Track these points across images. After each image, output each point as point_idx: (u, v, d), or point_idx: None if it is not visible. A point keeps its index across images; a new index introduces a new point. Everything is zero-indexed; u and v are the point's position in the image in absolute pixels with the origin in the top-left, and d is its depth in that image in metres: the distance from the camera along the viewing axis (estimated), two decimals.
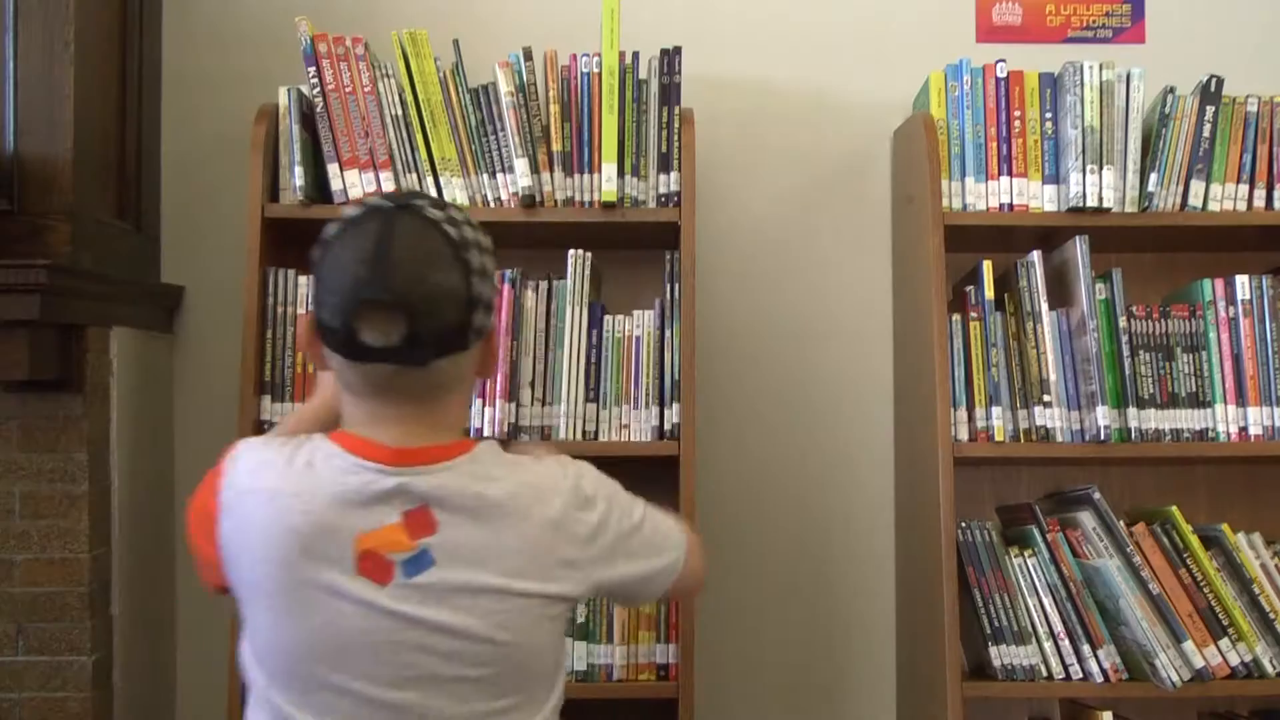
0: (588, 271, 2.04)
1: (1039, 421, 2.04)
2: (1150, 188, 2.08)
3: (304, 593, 1.16)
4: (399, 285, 1.14)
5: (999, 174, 2.10)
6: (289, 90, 2.06)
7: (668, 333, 2.06)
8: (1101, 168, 2.06)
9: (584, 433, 2.03)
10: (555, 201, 2.06)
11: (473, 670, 1.19)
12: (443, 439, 1.22)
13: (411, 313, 1.14)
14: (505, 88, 2.03)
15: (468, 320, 1.18)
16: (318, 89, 2.04)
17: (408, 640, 1.17)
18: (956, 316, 2.07)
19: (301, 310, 2.03)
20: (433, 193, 2.01)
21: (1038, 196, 2.11)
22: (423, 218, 1.18)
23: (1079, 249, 2.04)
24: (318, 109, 2.04)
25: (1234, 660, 2.00)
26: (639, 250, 2.24)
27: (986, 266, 2.06)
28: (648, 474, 2.23)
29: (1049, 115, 2.12)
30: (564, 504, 1.24)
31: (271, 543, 1.17)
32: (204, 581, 1.29)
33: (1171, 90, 2.10)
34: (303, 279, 2.04)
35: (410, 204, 1.20)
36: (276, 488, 1.19)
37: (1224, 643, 2.00)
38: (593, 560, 1.26)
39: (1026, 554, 2.03)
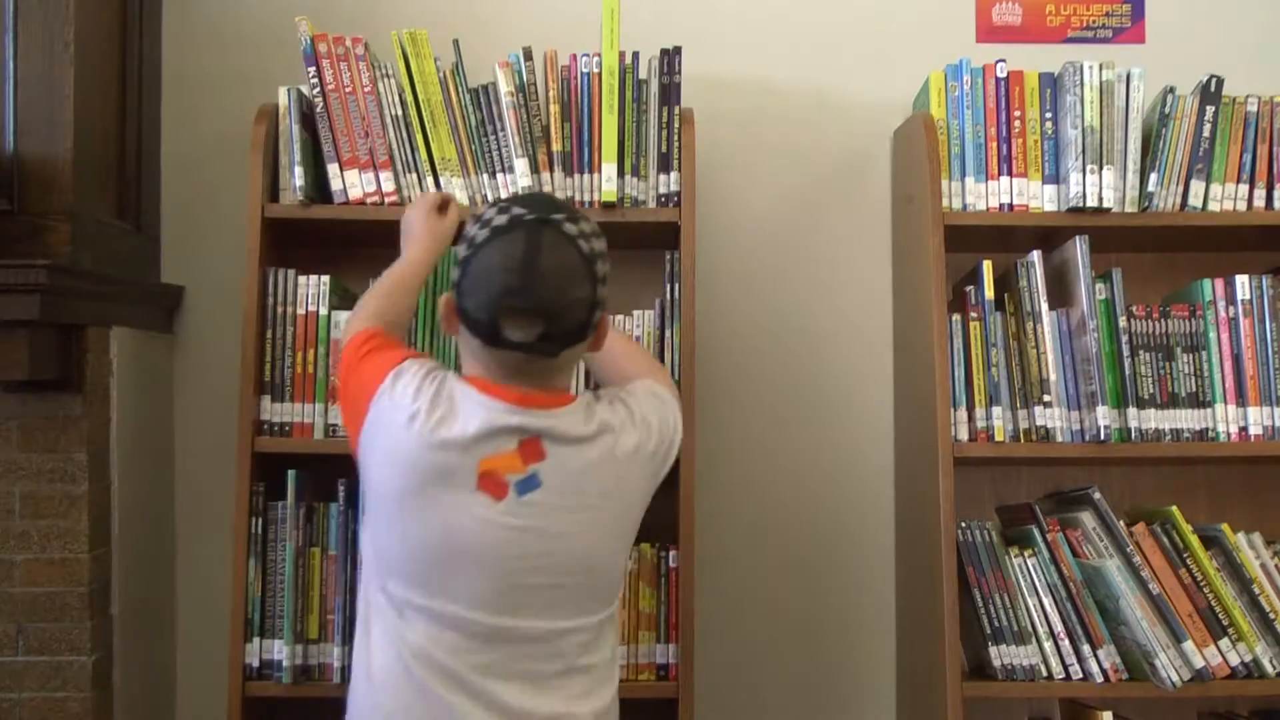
0: None
1: (1039, 421, 2.04)
2: (1150, 188, 2.08)
3: (428, 501, 1.40)
4: (542, 296, 1.38)
5: (999, 174, 2.11)
6: (289, 90, 2.06)
7: (668, 333, 2.06)
8: (1101, 168, 2.06)
9: None
10: None
11: (563, 578, 1.44)
12: (554, 393, 1.48)
13: (549, 318, 1.39)
14: (505, 88, 2.03)
15: (590, 320, 1.44)
16: (318, 89, 2.04)
17: (513, 549, 1.41)
18: (956, 316, 2.07)
19: (301, 310, 2.03)
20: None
21: (1038, 196, 2.11)
22: (562, 233, 1.40)
23: (1079, 249, 2.04)
24: (318, 109, 2.04)
25: (1234, 660, 2.00)
26: (639, 250, 2.24)
27: (986, 266, 2.06)
28: None
29: (1049, 115, 2.12)
30: (639, 439, 1.50)
31: (407, 458, 1.41)
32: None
33: (1171, 90, 2.10)
34: (302, 279, 2.04)
35: (551, 219, 1.41)
36: (419, 410, 1.42)
37: (1224, 643, 2.00)
38: (656, 475, 1.55)
39: (1026, 554, 2.03)
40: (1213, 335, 2.08)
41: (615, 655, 1.57)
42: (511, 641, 1.44)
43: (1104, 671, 2.00)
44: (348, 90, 2.04)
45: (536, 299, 1.38)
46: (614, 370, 1.71)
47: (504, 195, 2.05)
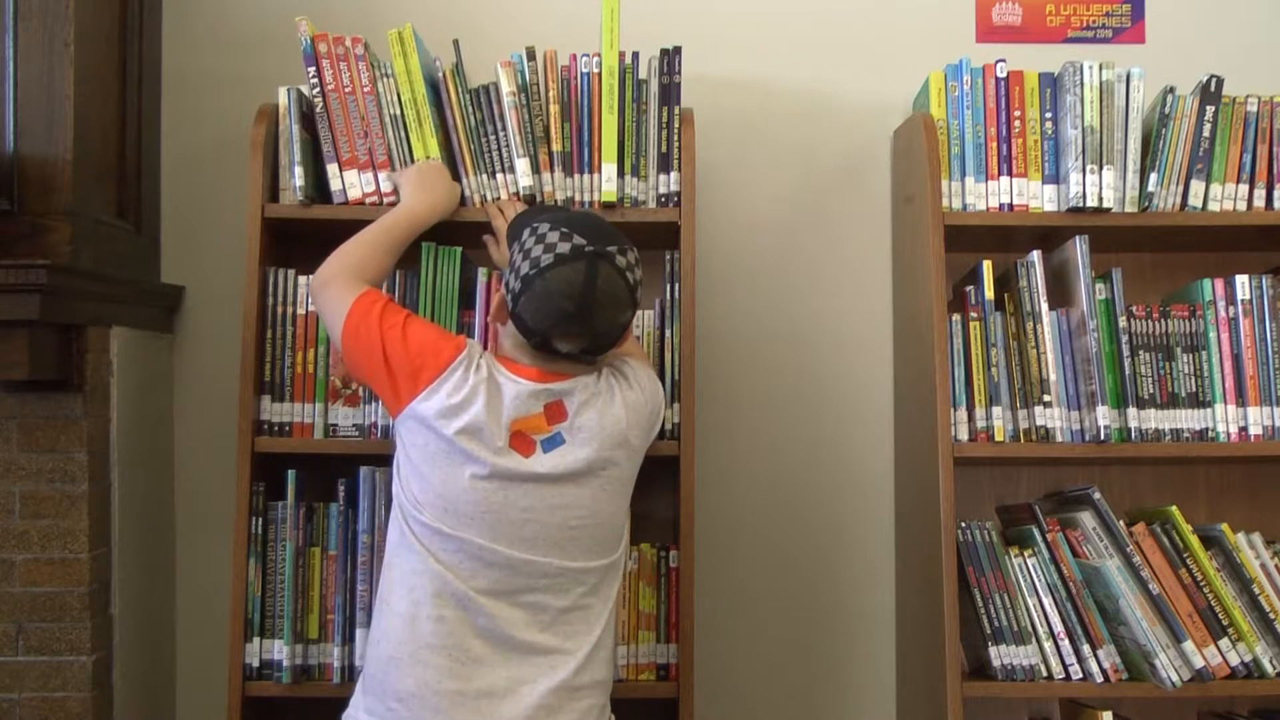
0: None
1: (1039, 421, 2.05)
2: (1150, 188, 2.08)
3: (466, 458, 1.61)
4: (596, 323, 1.62)
5: (999, 174, 2.11)
6: (289, 90, 2.06)
7: (668, 333, 2.06)
8: (1101, 168, 2.06)
9: None
10: (555, 201, 2.06)
11: (579, 521, 1.65)
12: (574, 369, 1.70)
13: (596, 338, 1.64)
14: (507, 88, 2.03)
15: (625, 333, 1.69)
16: (317, 89, 2.04)
17: (534, 503, 1.62)
18: (956, 316, 2.07)
19: (301, 310, 2.04)
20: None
21: (1038, 196, 2.11)
22: (616, 267, 1.62)
23: (1079, 249, 2.04)
24: (317, 109, 2.04)
25: (1234, 660, 2.00)
26: (639, 250, 2.24)
27: (986, 266, 2.06)
28: (648, 474, 2.24)
29: (1049, 115, 2.12)
30: (637, 399, 1.72)
31: (451, 427, 1.61)
32: (353, 364, 1.72)
33: (1171, 90, 2.10)
34: (302, 279, 2.04)
35: (607, 252, 1.62)
36: (473, 398, 1.63)
37: (1224, 643, 2.00)
38: (649, 434, 1.78)
39: (1026, 554, 2.03)
40: (1213, 335, 2.08)
41: (617, 599, 1.75)
42: (529, 574, 1.62)
43: (1104, 671, 2.00)
44: (347, 90, 2.04)
45: (589, 326, 1.61)
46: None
47: (504, 195, 2.05)
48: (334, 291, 1.74)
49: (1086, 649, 2.01)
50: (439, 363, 1.64)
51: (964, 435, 2.05)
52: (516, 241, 1.67)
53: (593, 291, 1.59)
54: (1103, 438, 2.01)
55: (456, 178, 2.04)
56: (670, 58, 2.07)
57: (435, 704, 1.58)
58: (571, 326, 1.61)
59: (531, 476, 1.63)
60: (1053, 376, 2.05)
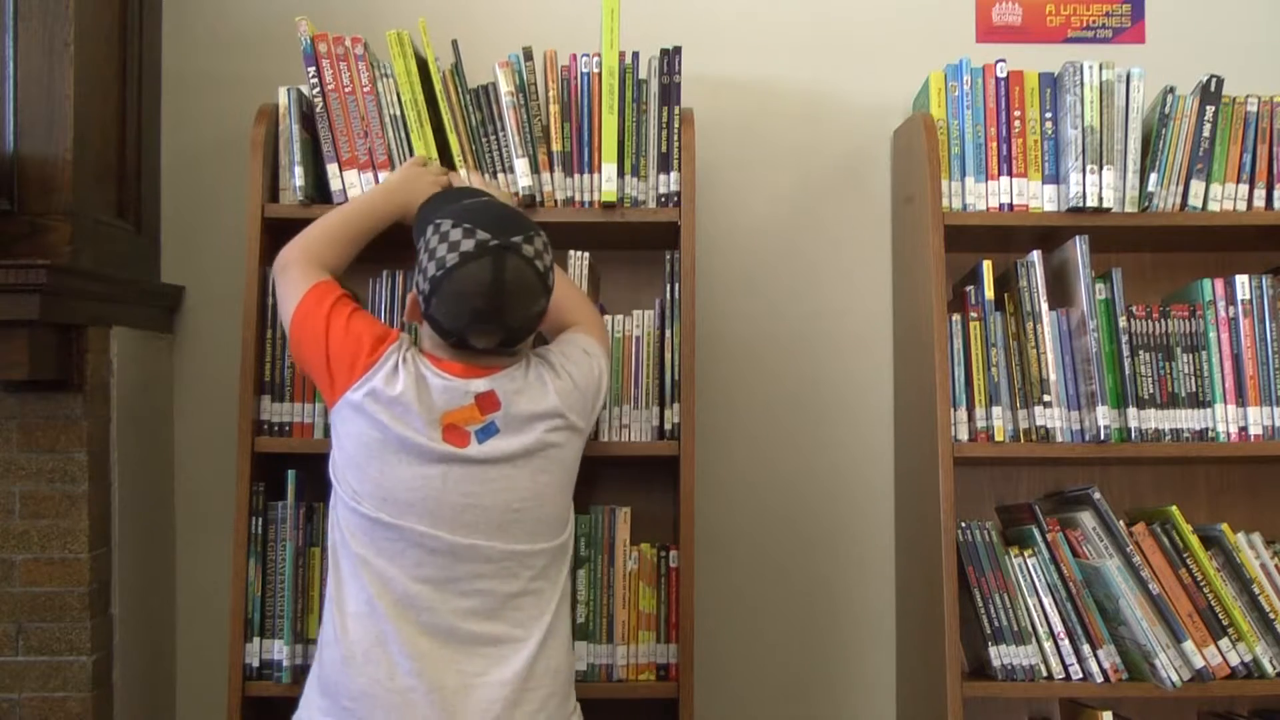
0: (587, 272, 2.04)
1: (1039, 421, 2.05)
2: (1150, 188, 2.08)
3: (402, 451, 1.61)
4: (508, 318, 1.61)
5: (999, 174, 2.11)
6: (289, 90, 2.06)
7: (668, 333, 2.06)
8: (1101, 168, 2.06)
9: None
10: (555, 202, 2.06)
11: (521, 504, 1.64)
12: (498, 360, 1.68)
13: (511, 332, 1.63)
14: (505, 88, 2.03)
15: (540, 319, 1.68)
16: (317, 89, 2.04)
17: (473, 484, 1.62)
18: (956, 316, 2.07)
19: None
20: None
21: (1038, 196, 2.11)
22: (522, 257, 1.60)
23: (1079, 249, 2.04)
24: (317, 109, 2.04)
25: (1234, 660, 2.00)
26: (639, 250, 2.24)
27: (986, 266, 2.06)
28: (648, 474, 2.24)
29: (1049, 115, 2.12)
30: (563, 387, 1.70)
31: (384, 418, 1.61)
32: (297, 351, 1.73)
33: (1171, 90, 2.10)
34: None
35: (511, 244, 1.59)
36: (404, 390, 1.62)
37: (1224, 643, 2.00)
38: (586, 419, 1.76)
39: (1026, 554, 2.03)
40: (1213, 335, 2.08)
41: (567, 585, 1.75)
42: (472, 560, 1.62)
43: (1104, 671, 2.00)
44: (347, 90, 2.04)
45: (502, 321, 1.61)
46: (555, 322, 1.85)
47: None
48: (290, 277, 1.76)
49: (1086, 649, 2.01)
50: (375, 352, 1.65)
51: (964, 435, 2.05)
52: (422, 239, 1.65)
53: (502, 286, 1.58)
54: (1103, 438, 2.01)
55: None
56: (670, 58, 2.07)
57: (389, 701, 1.58)
58: (485, 324, 1.60)
59: (469, 459, 1.63)
60: (1053, 376, 2.05)
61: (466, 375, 1.65)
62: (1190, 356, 2.08)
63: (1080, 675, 2.01)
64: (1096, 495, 2.03)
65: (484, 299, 1.58)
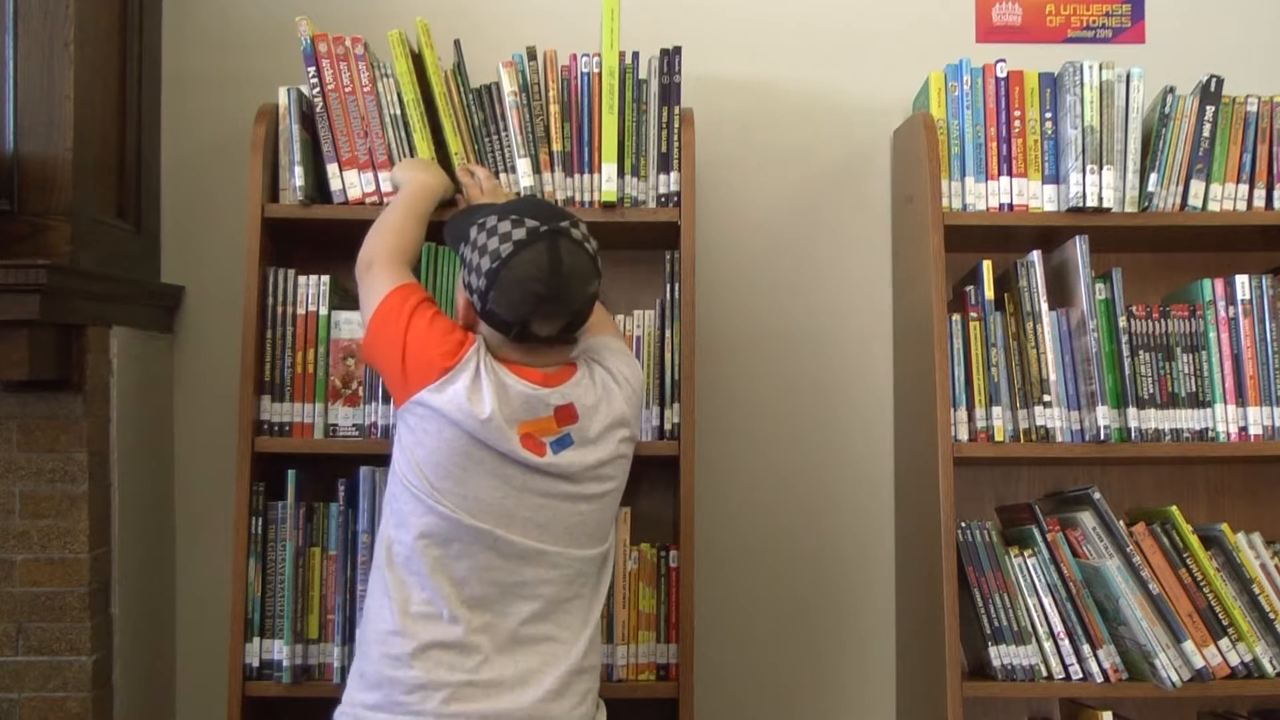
0: None
1: (1039, 421, 2.05)
2: (1150, 188, 2.08)
3: (482, 455, 1.62)
4: (570, 302, 1.62)
5: (999, 174, 2.11)
6: (289, 90, 2.06)
7: (668, 333, 2.06)
8: (1101, 168, 2.06)
9: None
10: (556, 201, 2.06)
11: (585, 512, 1.68)
12: (565, 368, 1.70)
13: (573, 314, 1.64)
14: (509, 87, 2.03)
15: (594, 303, 1.69)
16: (317, 89, 2.04)
17: (546, 498, 1.65)
18: (956, 316, 2.07)
19: (301, 310, 2.04)
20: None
21: (1038, 196, 2.11)
22: (573, 240, 1.62)
23: (1079, 249, 2.04)
24: (317, 109, 2.04)
25: (1234, 660, 2.00)
26: (639, 250, 2.24)
27: (986, 266, 2.06)
28: (648, 474, 2.24)
29: (1049, 115, 2.12)
30: (625, 394, 1.74)
31: (464, 424, 1.60)
32: (372, 346, 1.73)
33: (1171, 90, 2.10)
34: (302, 279, 2.04)
35: (561, 227, 1.61)
36: (484, 395, 1.62)
37: (1224, 643, 2.00)
38: (638, 419, 1.80)
39: (1026, 554, 2.03)
40: (1212, 335, 2.08)
41: (608, 584, 1.78)
42: (540, 565, 1.65)
43: (1104, 671, 2.00)
44: (347, 90, 2.04)
45: (564, 304, 1.62)
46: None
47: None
48: (375, 274, 1.77)
49: (1086, 649, 2.01)
50: (455, 355, 1.64)
51: (964, 435, 2.05)
52: (464, 243, 1.66)
53: (560, 268, 1.59)
54: (1103, 438, 2.01)
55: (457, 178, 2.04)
56: (670, 58, 2.07)
57: (446, 694, 1.60)
58: (548, 308, 1.61)
59: (545, 470, 1.65)
60: (1053, 376, 2.05)
61: (545, 384, 1.66)
62: (1190, 356, 2.08)
63: (1080, 675, 2.01)
64: (1096, 495, 2.03)
65: (543, 283, 1.59)
